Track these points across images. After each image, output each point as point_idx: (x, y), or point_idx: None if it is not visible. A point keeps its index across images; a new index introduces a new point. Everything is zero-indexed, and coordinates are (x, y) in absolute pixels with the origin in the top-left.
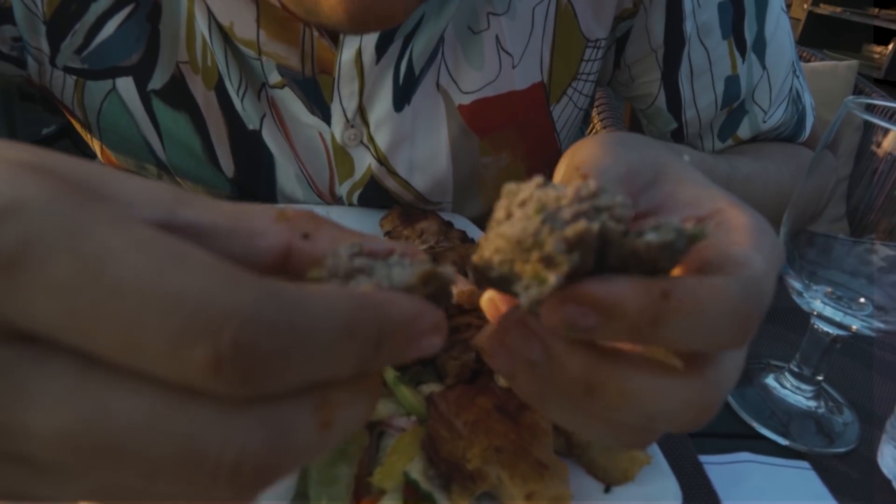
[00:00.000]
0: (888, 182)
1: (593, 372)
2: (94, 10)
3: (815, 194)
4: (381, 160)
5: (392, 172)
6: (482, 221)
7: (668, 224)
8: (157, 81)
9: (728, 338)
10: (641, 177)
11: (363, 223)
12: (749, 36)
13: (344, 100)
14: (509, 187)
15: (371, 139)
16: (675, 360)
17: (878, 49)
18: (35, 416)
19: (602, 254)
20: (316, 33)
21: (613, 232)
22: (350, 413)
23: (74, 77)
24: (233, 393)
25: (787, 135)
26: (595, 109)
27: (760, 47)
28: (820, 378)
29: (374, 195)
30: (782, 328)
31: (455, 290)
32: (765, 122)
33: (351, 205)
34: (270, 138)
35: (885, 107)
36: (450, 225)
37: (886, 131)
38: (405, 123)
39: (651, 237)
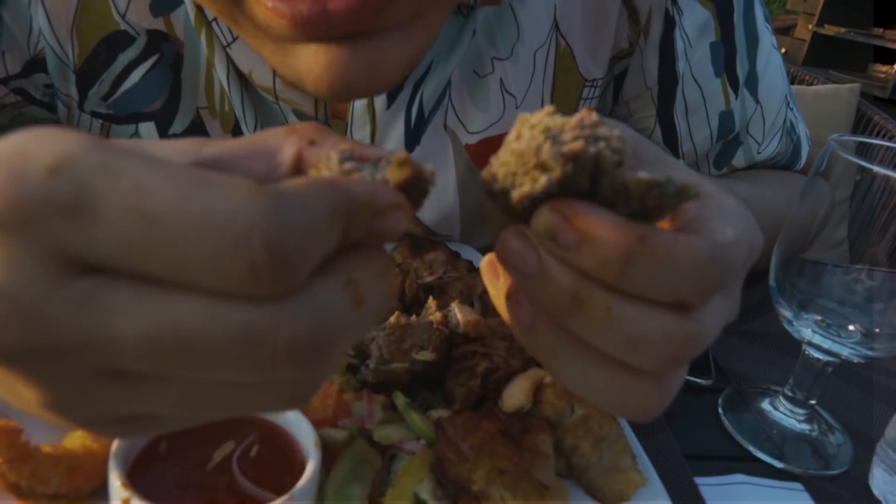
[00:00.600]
0: (881, 214)
1: (581, 284)
2: (121, 61)
3: (805, 223)
4: None
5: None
6: (489, 251)
7: (661, 171)
8: (178, 126)
9: (688, 292)
10: (640, 155)
11: None
12: (741, 72)
13: None
14: (523, 115)
15: None
16: None
17: (884, 68)
18: (119, 328)
19: (596, 182)
20: None
21: (608, 160)
22: (375, 290)
23: (100, 121)
24: (271, 290)
25: (783, 164)
26: None
27: (753, 83)
28: (813, 402)
29: None
30: (778, 353)
31: (461, 320)
32: (759, 153)
33: None
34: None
35: (875, 145)
36: (457, 255)
37: (871, 171)
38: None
39: (642, 175)
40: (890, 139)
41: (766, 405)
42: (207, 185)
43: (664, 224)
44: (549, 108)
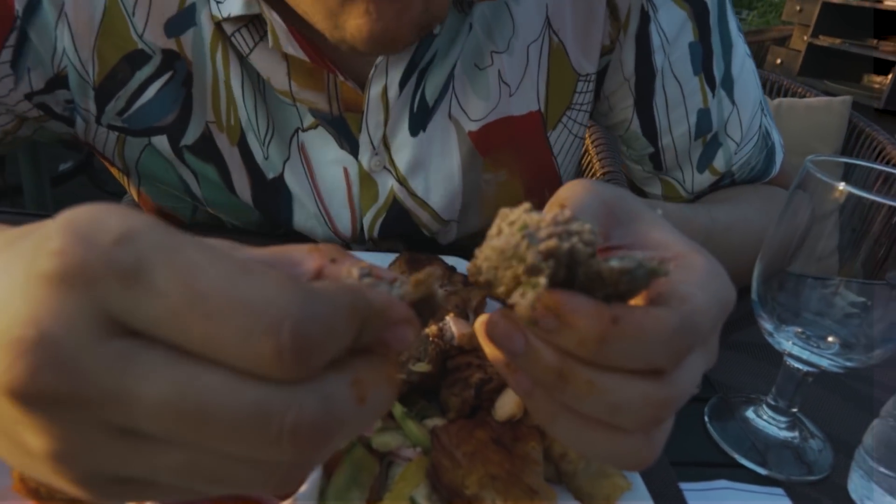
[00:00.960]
0: (854, 230)
1: (565, 362)
2: (138, 78)
3: (784, 239)
4: (402, 181)
5: (411, 193)
6: (479, 237)
7: (632, 256)
8: (189, 138)
9: (662, 361)
10: (616, 216)
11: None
12: (718, 73)
13: (371, 130)
14: (503, 211)
15: (392, 163)
16: None
17: (878, 79)
18: (144, 388)
19: (572, 272)
20: (340, 78)
21: (581, 252)
22: (378, 392)
23: (116, 133)
24: (289, 374)
25: (759, 170)
26: (594, 149)
27: (729, 84)
28: (794, 410)
29: (394, 220)
30: (763, 363)
31: (456, 333)
32: (737, 153)
33: (371, 239)
34: (294, 180)
35: (857, 164)
36: (453, 269)
37: (833, 188)
38: (421, 148)
39: (614, 263)
40: (881, 151)
41: (750, 413)
42: (250, 271)
43: (642, 299)
44: (526, 205)
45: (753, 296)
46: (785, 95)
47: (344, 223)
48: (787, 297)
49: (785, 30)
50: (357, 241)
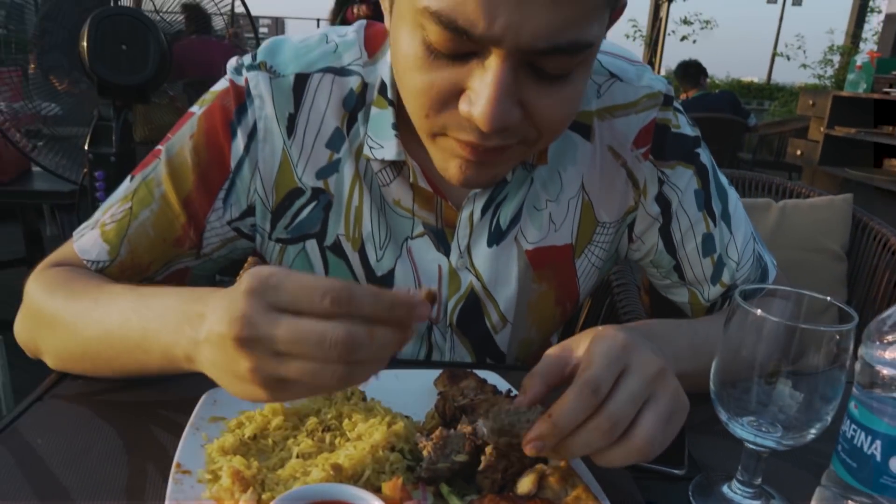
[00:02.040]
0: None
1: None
2: (297, 205)
3: (727, 354)
4: (478, 277)
5: (483, 287)
6: (526, 346)
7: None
8: (328, 241)
9: (595, 402)
10: (562, 366)
11: (423, 382)
12: (717, 210)
13: (460, 240)
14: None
15: (472, 265)
16: None
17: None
18: (280, 331)
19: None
20: (444, 202)
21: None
22: (383, 336)
23: (280, 244)
24: (333, 314)
25: (756, 284)
26: (613, 281)
27: (727, 219)
28: (758, 482)
29: (470, 307)
30: (740, 444)
31: (487, 431)
32: (738, 270)
33: (450, 324)
34: (401, 272)
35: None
36: (484, 381)
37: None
38: (493, 257)
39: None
40: (885, 242)
41: (725, 489)
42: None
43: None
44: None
45: (712, 395)
46: (790, 197)
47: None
48: (738, 393)
49: (801, 122)
50: (437, 322)
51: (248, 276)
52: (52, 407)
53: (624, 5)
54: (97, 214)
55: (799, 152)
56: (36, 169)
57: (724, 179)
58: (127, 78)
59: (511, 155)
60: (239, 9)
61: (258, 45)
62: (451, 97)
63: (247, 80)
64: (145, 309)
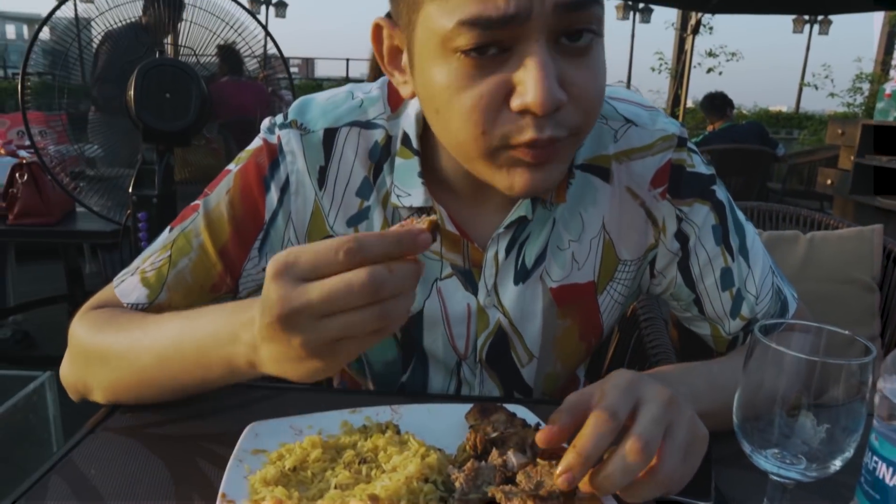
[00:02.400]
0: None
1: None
2: None
3: (748, 390)
4: (505, 314)
5: (511, 324)
6: (553, 380)
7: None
8: None
9: (606, 434)
10: (583, 404)
11: (455, 415)
12: (734, 244)
13: (487, 279)
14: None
15: (500, 303)
16: None
17: None
18: (310, 297)
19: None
20: (470, 244)
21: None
22: (402, 270)
23: None
24: (348, 265)
25: (776, 318)
26: (641, 315)
27: (744, 253)
28: None
29: (498, 343)
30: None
31: (516, 464)
32: (757, 305)
33: (479, 360)
34: (430, 312)
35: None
36: (513, 415)
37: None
38: (519, 295)
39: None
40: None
41: None
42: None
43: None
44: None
45: (735, 428)
46: (818, 228)
47: (461, 343)
48: (761, 426)
49: (831, 152)
50: (466, 358)
51: (270, 264)
52: (103, 439)
53: None
54: (136, 262)
55: (829, 181)
56: (80, 209)
57: (741, 215)
58: (170, 124)
59: (564, 150)
60: (271, 50)
61: (291, 85)
62: (501, 102)
63: (279, 138)
64: (195, 329)
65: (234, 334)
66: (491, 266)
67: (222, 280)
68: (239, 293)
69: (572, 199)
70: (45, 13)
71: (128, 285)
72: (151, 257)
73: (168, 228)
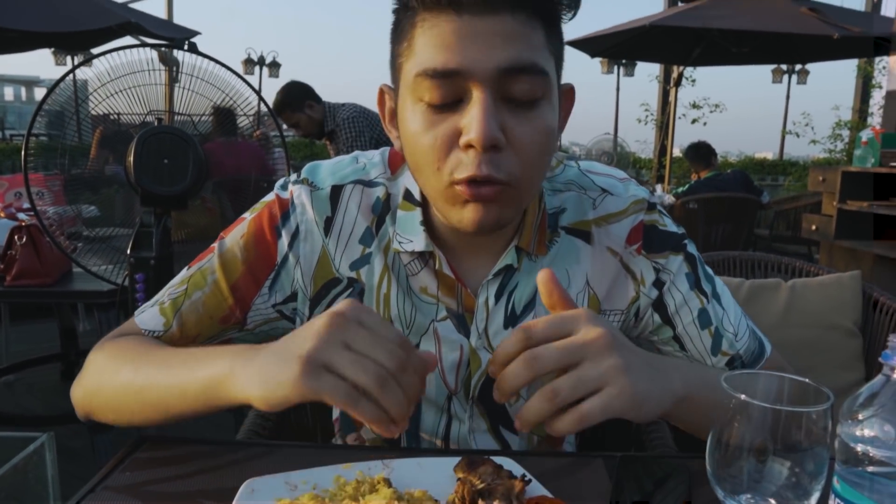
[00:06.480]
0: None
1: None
2: (333, 293)
3: (719, 438)
4: None
5: None
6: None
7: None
8: None
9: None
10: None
11: (444, 468)
12: (707, 289)
13: (478, 323)
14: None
15: (490, 345)
16: None
17: None
18: (355, 341)
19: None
20: (463, 289)
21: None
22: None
23: None
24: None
25: (756, 355)
26: None
27: (717, 297)
28: None
29: (489, 382)
30: None
31: None
32: (737, 342)
33: (472, 397)
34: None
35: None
36: (500, 467)
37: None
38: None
39: None
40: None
41: None
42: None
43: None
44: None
45: (709, 475)
46: (799, 276)
47: (452, 382)
48: (733, 472)
49: (813, 199)
50: (457, 392)
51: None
52: (102, 498)
53: (572, 92)
54: (157, 296)
55: (814, 227)
56: (76, 269)
57: (709, 269)
58: (168, 189)
59: (506, 196)
60: (264, 110)
61: (283, 143)
62: (452, 142)
63: (291, 193)
64: (195, 360)
65: (230, 359)
66: (482, 311)
67: (232, 312)
68: (246, 325)
69: (558, 256)
70: (41, 76)
71: (147, 315)
72: (170, 290)
73: (187, 267)
